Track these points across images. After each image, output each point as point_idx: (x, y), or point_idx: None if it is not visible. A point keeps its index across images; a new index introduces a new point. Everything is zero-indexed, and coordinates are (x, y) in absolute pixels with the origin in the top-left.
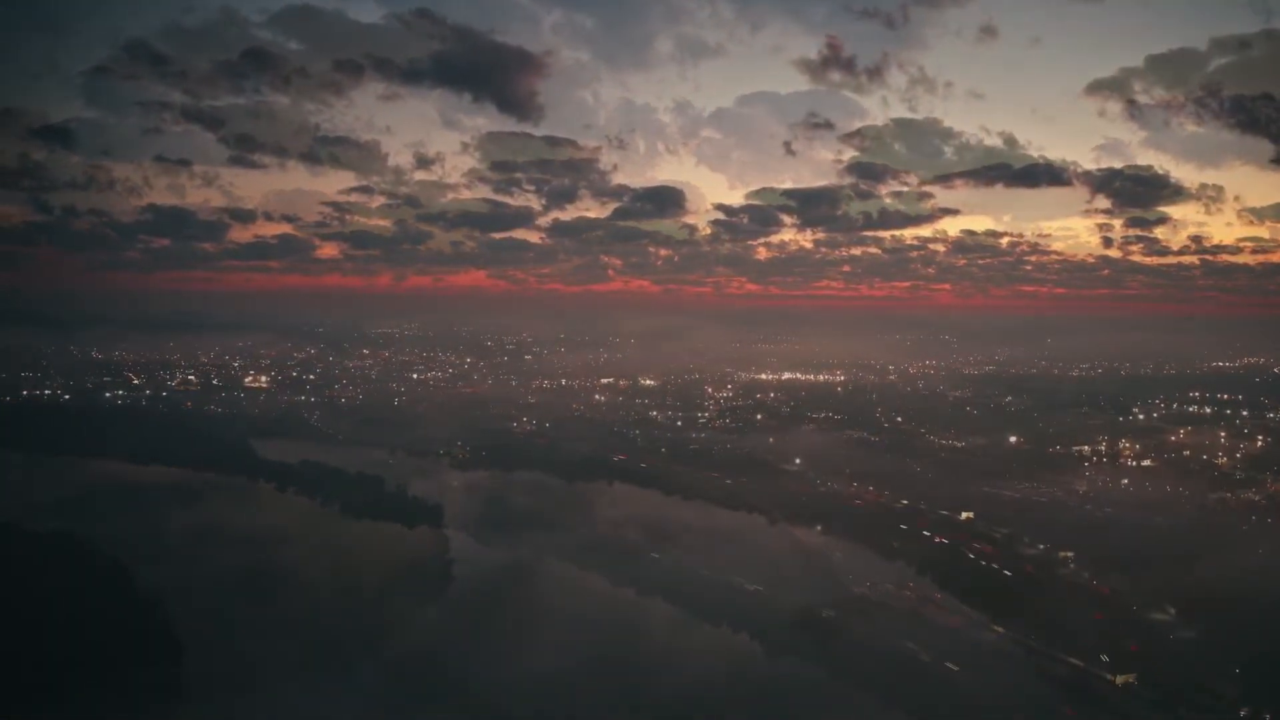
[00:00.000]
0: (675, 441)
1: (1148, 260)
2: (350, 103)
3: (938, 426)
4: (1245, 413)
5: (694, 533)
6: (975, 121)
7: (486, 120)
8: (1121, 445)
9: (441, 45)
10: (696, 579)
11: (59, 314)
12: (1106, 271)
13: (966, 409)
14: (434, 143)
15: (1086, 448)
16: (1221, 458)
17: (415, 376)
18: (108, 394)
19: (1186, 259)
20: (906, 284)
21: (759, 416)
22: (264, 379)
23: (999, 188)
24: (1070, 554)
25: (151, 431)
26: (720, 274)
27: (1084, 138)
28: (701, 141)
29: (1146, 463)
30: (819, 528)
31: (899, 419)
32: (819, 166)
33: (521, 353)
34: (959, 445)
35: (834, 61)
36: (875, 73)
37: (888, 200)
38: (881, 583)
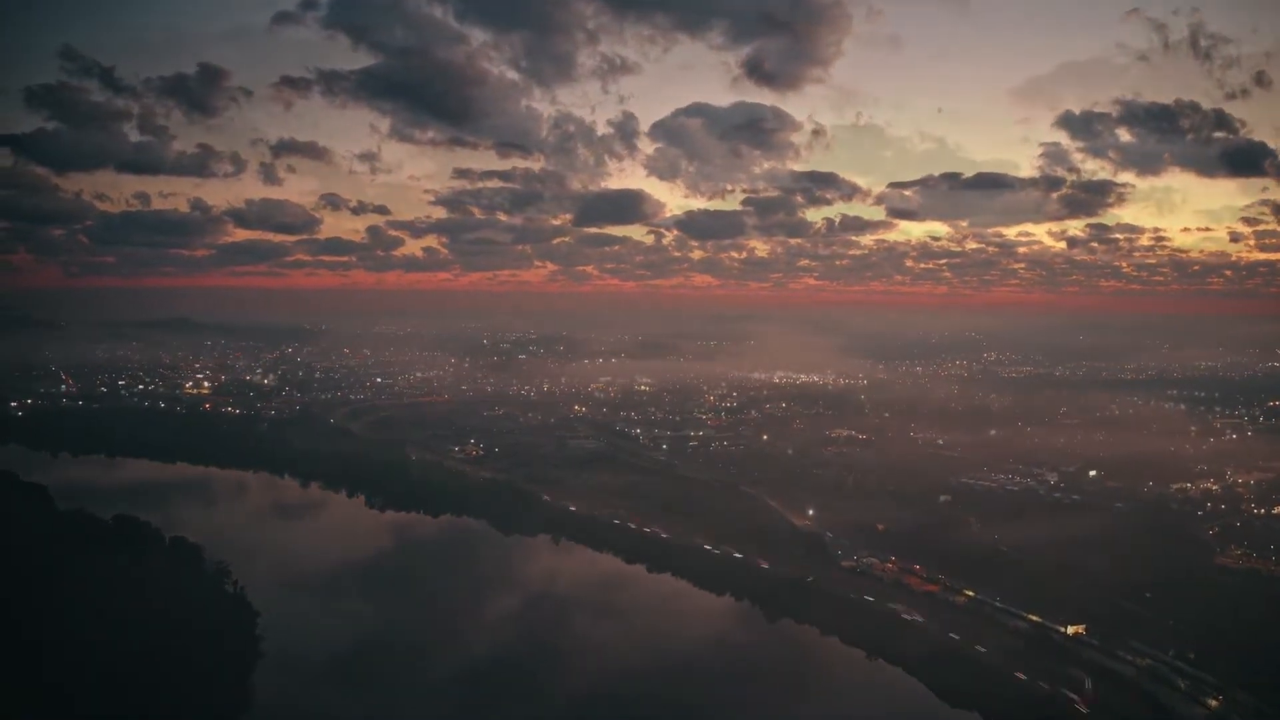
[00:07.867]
0: (659, 473)
1: (1117, 263)
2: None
3: (991, 453)
4: None
5: None
6: (905, 127)
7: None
8: (1233, 481)
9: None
10: None
11: (55, 315)
12: (1077, 275)
13: (1018, 423)
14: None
15: (1189, 485)
16: None
17: (379, 381)
18: (13, 402)
19: (1150, 259)
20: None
21: (765, 437)
22: (206, 385)
23: (954, 192)
24: None
25: None
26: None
27: (1016, 145)
28: (645, 152)
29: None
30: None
31: (940, 441)
32: (769, 174)
33: (515, 353)
34: (1028, 484)
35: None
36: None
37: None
38: None
